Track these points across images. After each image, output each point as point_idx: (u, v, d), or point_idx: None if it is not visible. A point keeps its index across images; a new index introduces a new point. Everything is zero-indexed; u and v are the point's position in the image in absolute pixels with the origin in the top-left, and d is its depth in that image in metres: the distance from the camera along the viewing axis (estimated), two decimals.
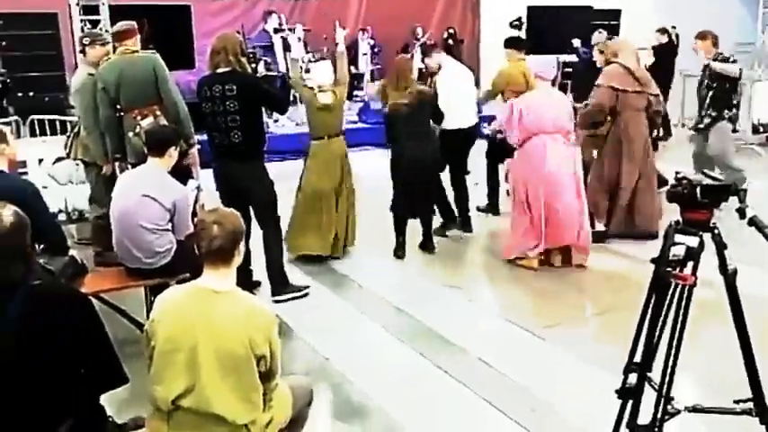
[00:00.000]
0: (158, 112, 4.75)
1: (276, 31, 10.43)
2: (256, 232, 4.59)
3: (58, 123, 7.14)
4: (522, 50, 6.52)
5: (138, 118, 4.73)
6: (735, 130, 6.86)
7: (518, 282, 5.06)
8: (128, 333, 3.87)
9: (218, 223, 2.33)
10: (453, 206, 6.03)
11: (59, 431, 2.33)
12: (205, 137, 4.62)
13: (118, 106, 4.79)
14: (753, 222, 2.27)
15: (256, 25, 10.99)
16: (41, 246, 3.44)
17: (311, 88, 5.23)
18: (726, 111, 6.40)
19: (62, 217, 5.93)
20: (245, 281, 4.59)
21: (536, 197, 5.08)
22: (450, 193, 6.02)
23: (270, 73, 9.67)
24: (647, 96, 5.57)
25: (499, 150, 6.16)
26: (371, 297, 4.83)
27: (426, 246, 5.64)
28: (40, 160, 6.06)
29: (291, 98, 7.89)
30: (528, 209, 5.13)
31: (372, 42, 12.57)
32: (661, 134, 8.67)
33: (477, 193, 6.49)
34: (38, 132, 7.21)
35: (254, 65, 4.81)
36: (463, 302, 4.76)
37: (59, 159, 6.01)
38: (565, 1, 13.58)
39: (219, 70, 4.36)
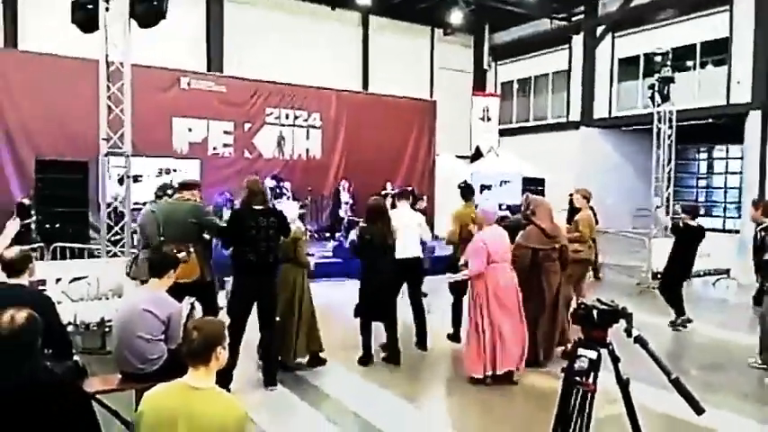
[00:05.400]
0: (192, 249, 4.96)
1: (272, 188, 11.38)
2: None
3: (76, 250, 7.24)
4: (470, 198, 6.84)
5: (175, 251, 4.92)
6: None
7: (468, 396, 4.96)
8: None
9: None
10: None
11: None
12: None
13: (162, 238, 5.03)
14: (638, 340, 2.40)
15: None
16: (50, 350, 3.37)
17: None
18: None
19: (71, 328, 5.76)
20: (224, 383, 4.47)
21: (487, 319, 5.03)
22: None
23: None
24: (558, 248, 5.69)
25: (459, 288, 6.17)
26: (333, 403, 4.72)
27: (392, 358, 5.54)
28: (58, 279, 6.01)
29: None
30: (482, 332, 5.05)
31: (351, 194, 13.25)
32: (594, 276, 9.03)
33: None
34: (58, 256, 7.20)
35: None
36: (415, 412, 4.65)
37: (74, 279, 6.01)
38: (499, 170, 14.57)
39: (256, 206, 4.80)
